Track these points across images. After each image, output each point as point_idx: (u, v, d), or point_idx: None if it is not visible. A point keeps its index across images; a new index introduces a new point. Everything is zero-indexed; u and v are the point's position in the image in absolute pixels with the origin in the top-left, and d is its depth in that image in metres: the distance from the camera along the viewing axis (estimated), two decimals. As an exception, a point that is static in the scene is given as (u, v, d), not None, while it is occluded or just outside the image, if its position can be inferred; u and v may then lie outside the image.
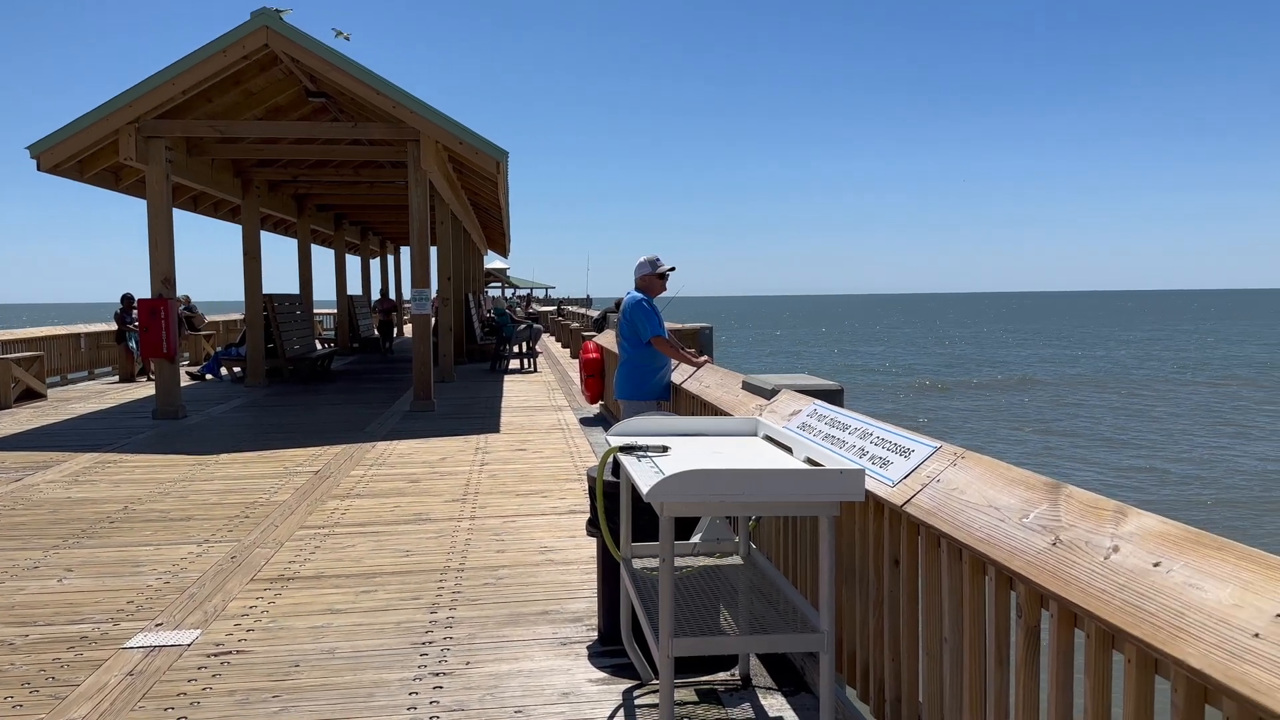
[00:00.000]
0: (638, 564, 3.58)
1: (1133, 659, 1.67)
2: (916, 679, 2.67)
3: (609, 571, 3.91)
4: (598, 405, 12.03)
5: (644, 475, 2.77)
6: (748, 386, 4.99)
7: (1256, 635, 1.41)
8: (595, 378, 11.06)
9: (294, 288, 19.91)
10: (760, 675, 3.67)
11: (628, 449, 3.20)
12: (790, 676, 3.64)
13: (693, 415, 3.98)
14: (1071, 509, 2.01)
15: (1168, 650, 1.52)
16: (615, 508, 3.79)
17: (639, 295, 6.26)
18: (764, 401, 4.54)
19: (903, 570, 2.73)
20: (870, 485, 2.84)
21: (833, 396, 4.40)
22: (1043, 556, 1.96)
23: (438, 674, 3.66)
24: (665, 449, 3.23)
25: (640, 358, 6.25)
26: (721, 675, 3.64)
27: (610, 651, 3.89)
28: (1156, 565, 1.69)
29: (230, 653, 3.89)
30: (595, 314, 19.63)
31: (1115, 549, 1.80)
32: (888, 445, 3.00)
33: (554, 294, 71.56)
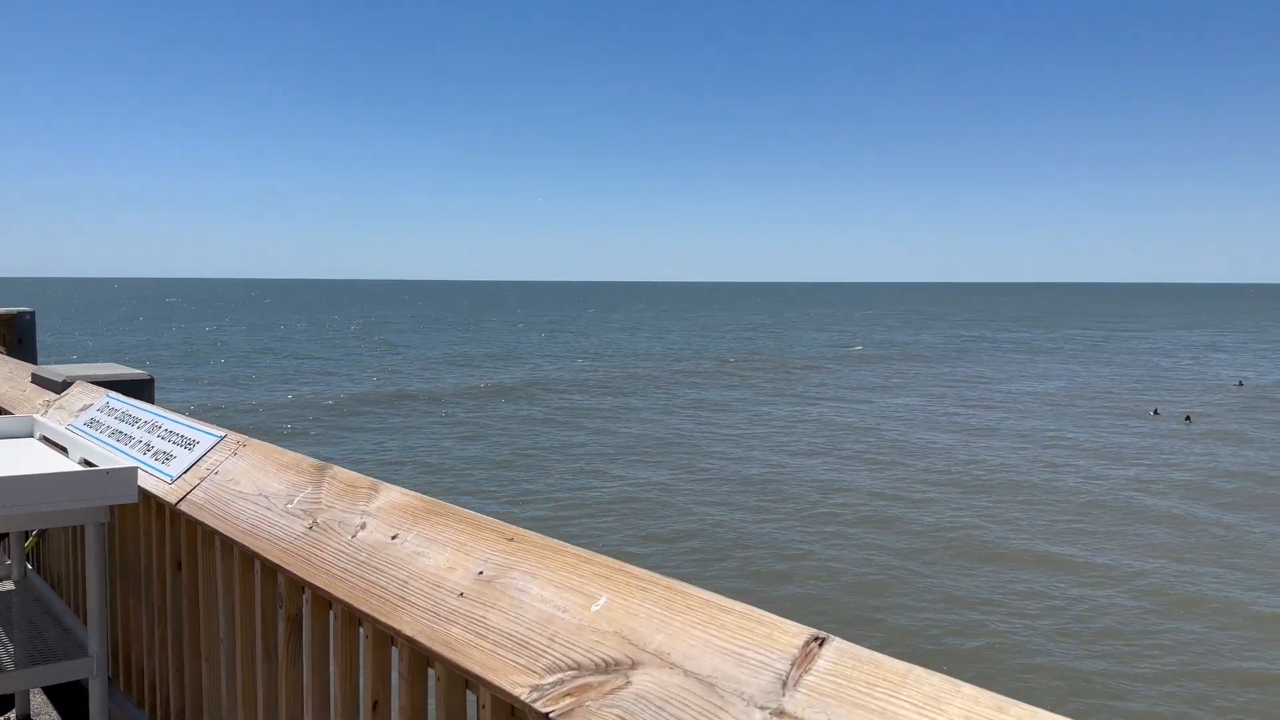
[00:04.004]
0: None
1: (370, 634, 1.69)
2: (200, 685, 2.48)
3: None
4: None
5: None
6: (38, 379, 4.25)
7: (462, 595, 1.50)
8: None
9: None
10: (45, 712, 3.14)
11: None
12: (81, 706, 3.17)
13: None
14: (332, 489, 2.00)
15: (390, 622, 1.56)
16: None
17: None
18: (54, 396, 3.89)
19: (185, 573, 2.51)
20: (148, 484, 2.55)
21: (140, 387, 3.94)
22: (299, 542, 1.91)
23: None
24: (-127, 462, 2.55)
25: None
26: (-16, 726, 3.03)
27: None
28: (394, 538, 1.73)
29: None
30: None
31: (363, 526, 1.82)
32: (175, 438, 2.74)
33: None
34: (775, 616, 1.18)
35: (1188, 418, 36.45)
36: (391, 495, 1.87)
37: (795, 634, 1.13)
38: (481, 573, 1.52)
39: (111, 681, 2.98)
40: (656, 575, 1.35)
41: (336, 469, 2.08)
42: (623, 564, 1.42)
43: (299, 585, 1.96)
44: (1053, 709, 0.90)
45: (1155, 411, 38.25)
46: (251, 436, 2.51)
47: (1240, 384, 47.81)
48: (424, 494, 1.83)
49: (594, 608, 1.34)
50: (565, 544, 1.52)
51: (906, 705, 0.96)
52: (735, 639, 1.16)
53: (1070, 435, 33.50)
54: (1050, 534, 20.47)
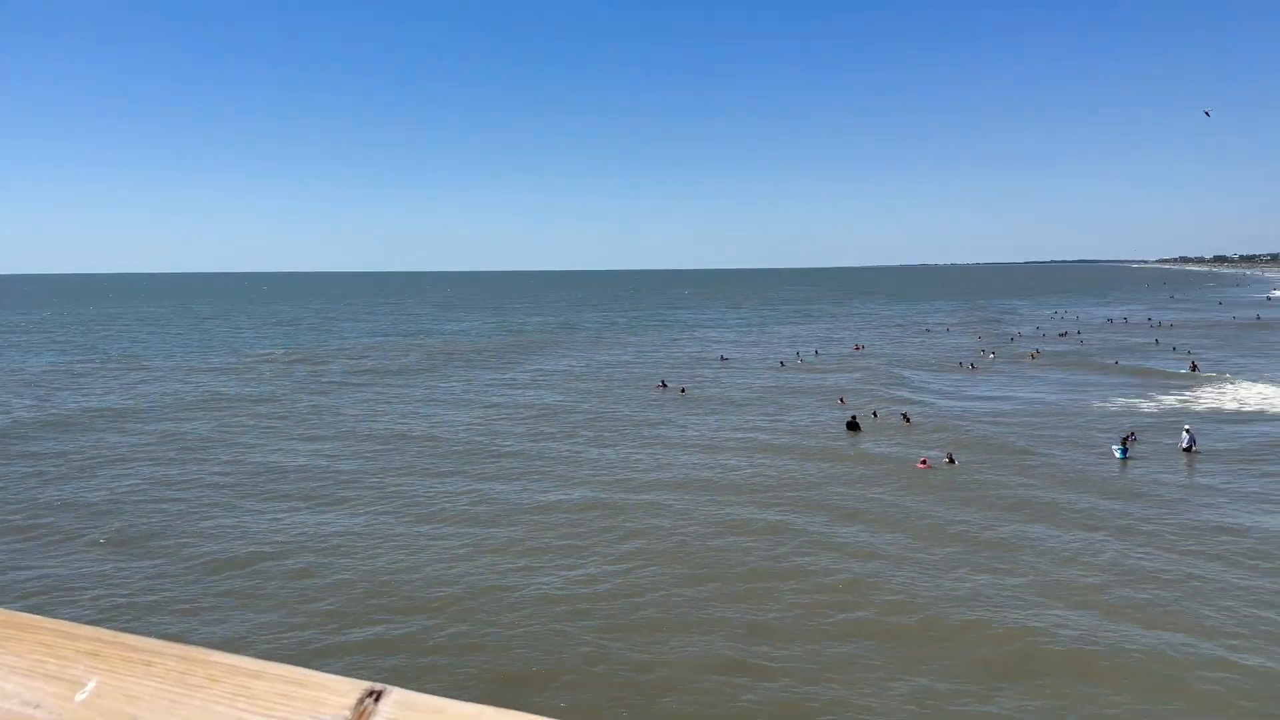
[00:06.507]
0: None
1: None
2: None
3: None
4: None
5: None
6: None
7: None
8: None
9: None
10: None
11: None
12: None
13: None
14: None
15: None
16: None
17: None
18: None
19: None
20: None
21: None
22: None
23: None
24: None
25: None
26: None
27: None
28: None
29: None
30: None
31: None
32: None
33: None
34: (322, 675, 1.01)
35: (682, 390, 42.15)
36: None
37: (346, 692, 0.97)
38: None
39: None
40: (166, 643, 1.10)
41: None
42: (119, 634, 1.13)
43: None
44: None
45: (663, 385, 43.55)
46: None
47: (723, 359, 56.13)
48: None
49: (79, 697, 1.05)
50: (40, 618, 1.19)
51: None
52: (273, 709, 0.98)
53: (585, 406, 37.11)
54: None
